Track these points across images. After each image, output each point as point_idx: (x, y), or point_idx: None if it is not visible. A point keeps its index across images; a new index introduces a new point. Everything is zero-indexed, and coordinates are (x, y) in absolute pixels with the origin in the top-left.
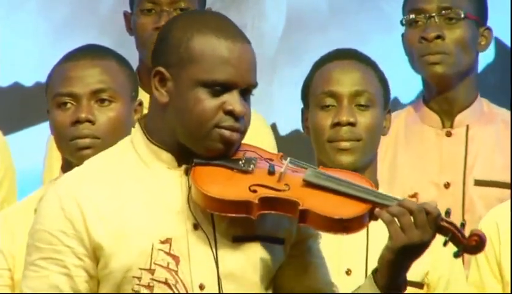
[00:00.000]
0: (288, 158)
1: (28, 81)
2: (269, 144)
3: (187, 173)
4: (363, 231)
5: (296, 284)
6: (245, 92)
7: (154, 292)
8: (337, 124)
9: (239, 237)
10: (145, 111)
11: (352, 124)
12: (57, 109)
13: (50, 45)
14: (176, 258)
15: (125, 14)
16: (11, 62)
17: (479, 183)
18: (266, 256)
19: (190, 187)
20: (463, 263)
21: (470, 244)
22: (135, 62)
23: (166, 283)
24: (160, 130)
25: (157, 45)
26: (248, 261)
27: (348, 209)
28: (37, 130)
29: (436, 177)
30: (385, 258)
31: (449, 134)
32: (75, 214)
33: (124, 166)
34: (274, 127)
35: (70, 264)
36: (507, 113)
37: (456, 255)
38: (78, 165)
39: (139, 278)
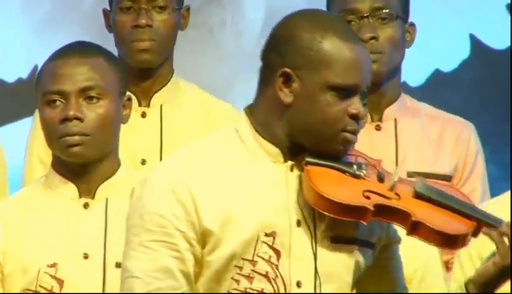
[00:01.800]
0: (397, 168)
1: (10, 77)
2: None
3: (292, 169)
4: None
5: (376, 286)
6: (363, 93)
7: (253, 284)
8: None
9: (338, 238)
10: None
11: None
12: (46, 106)
13: (33, 41)
14: (277, 252)
15: (105, 11)
16: None
17: (410, 174)
18: (360, 259)
19: (301, 184)
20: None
21: None
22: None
23: (266, 276)
24: (273, 125)
25: (280, 45)
26: (345, 262)
27: (458, 225)
28: (19, 125)
29: None
30: (488, 272)
31: (378, 128)
32: (186, 198)
33: (231, 155)
34: None
35: (182, 248)
36: (428, 107)
37: None
38: (68, 162)
39: (240, 268)
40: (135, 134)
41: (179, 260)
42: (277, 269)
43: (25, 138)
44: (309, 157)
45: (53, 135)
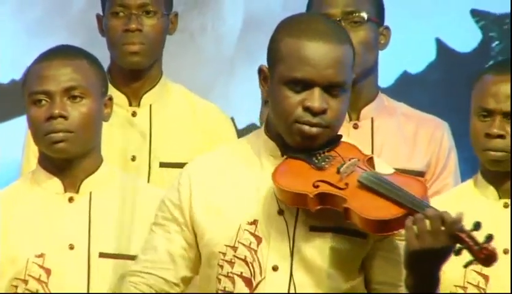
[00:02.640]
0: (353, 159)
1: (4, 79)
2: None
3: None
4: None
5: (376, 277)
6: (331, 89)
7: (234, 268)
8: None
9: (316, 227)
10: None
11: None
12: (33, 106)
13: (24, 44)
14: (258, 239)
15: (98, 17)
16: None
17: None
18: (340, 247)
19: None
20: None
21: (480, 258)
22: (104, 61)
23: (244, 260)
24: (271, 122)
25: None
26: (322, 250)
27: (385, 212)
28: (13, 124)
29: None
30: (404, 262)
31: (356, 126)
32: (185, 188)
33: (241, 154)
34: (232, 120)
35: (172, 230)
36: (404, 106)
37: (466, 265)
38: (54, 158)
39: (224, 254)
40: (126, 132)
41: (167, 240)
42: (256, 254)
43: (18, 136)
44: (290, 152)
45: (39, 133)
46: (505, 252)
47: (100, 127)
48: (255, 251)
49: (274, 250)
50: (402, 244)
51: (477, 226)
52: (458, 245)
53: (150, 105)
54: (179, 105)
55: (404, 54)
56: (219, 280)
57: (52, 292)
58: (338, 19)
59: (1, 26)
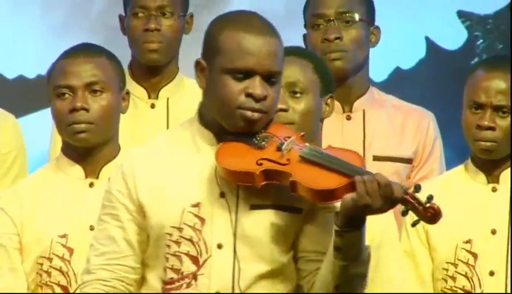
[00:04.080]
0: (292, 137)
1: (31, 74)
2: None
3: None
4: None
5: (306, 247)
6: (269, 77)
7: (181, 247)
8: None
9: (256, 205)
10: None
11: (284, 110)
12: (57, 99)
13: (49, 43)
14: (202, 220)
15: (120, 17)
16: (16, 57)
17: (376, 158)
18: (279, 222)
19: None
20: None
21: (426, 216)
22: (122, 58)
23: (190, 240)
24: (206, 111)
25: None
26: (263, 226)
27: (330, 181)
28: (38, 116)
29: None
30: (344, 204)
31: (349, 118)
32: (129, 176)
33: (179, 142)
34: None
35: (123, 218)
36: (393, 98)
37: (414, 224)
38: (76, 147)
39: (170, 235)
40: (145, 123)
41: (121, 229)
42: (201, 234)
43: (44, 127)
44: (229, 135)
45: (63, 123)
46: (493, 232)
47: (118, 118)
48: (200, 231)
49: (218, 229)
50: (330, 216)
51: (417, 188)
52: (404, 207)
53: (168, 98)
54: (193, 98)
55: (397, 51)
56: (167, 259)
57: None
58: (331, 18)
59: (29, 26)
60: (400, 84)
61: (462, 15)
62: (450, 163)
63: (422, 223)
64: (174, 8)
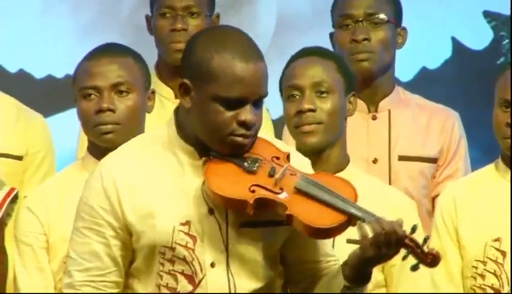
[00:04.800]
0: (285, 165)
1: (59, 74)
2: (267, 128)
3: (205, 164)
4: None
5: (298, 257)
6: (257, 101)
7: (175, 266)
8: (299, 112)
9: (246, 223)
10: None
11: (313, 110)
12: (83, 99)
13: (78, 43)
14: (193, 238)
15: (147, 17)
16: (45, 57)
17: (402, 158)
18: (271, 238)
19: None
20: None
21: (426, 260)
22: (149, 58)
23: (184, 259)
24: (186, 126)
25: (183, 59)
26: (254, 244)
27: (327, 219)
28: (67, 115)
29: (365, 154)
30: (351, 261)
31: (374, 118)
32: (112, 194)
33: (156, 155)
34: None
35: (108, 235)
36: (418, 98)
37: (413, 268)
38: (102, 147)
39: (163, 254)
40: None
41: (105, 245)
42: (194, 253)
43: (72, 126)
44: (214, 152)
45: (89, 124)
46: None
47: (144, 118)
48: (193, 250)
49: (209, 247)
50: None
51: (414, 229)
52: (405, 252)
53: None
54: None
55: (423, 51)
56: (161, 277)
57: None
58: (360, 19)
59: (57, 25)
60: (426, 84)
61: (488, 15)
62: (474, 163)
63: (451, 220)
64: (201, 8)
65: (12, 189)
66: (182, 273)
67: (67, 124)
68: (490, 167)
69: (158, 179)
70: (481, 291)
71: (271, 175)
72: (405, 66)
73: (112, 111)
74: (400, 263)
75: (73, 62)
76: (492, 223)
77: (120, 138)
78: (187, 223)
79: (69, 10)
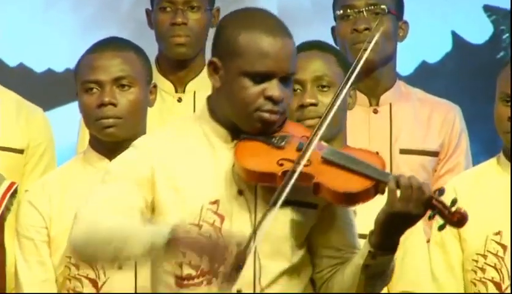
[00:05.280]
0: (313, 137)
1: (59, 68)
2: None
3: (235, 146)
4: None
5: (321, 243)
6: (285, 79)
7: None
8: (301, 106)
9: (276, 201)
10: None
11: (314, 104)
12: (84, 93)
13: (78, 37)
14: (221, 217)
15: (147, 11)
16: (45, 51)
17: (403, 151)
18: (297, 218)
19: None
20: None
21: (453, 220)
22: (150, 52)
23: (210, 237)
24: (218, 109)
25: (214, 39)
26: (282, 222)
27: (354, 184)
28: (67, 109)
29: (367, 148)
30: (379, 220)
31: (375, 111)
32: (148, 171)
33: (190, 138)
34: None
35: (137, 192)
36: (419, 92)
37: (441, 228)
38: (104, 141)
39: (188, 232)
40: (172, 116)
41: (141, 204)
42: (220, 232)
43: (72, 120)
44: (245, 134)
45: (91, 118)
46: None
47: (146, 112)
48: (219, 228)
49: (237, 227)
50: (347, 212)
51: (441, 191)
52: (431, 212)
53: (195, 92)
54: None
55: (423, 45)
56: (183, 254)
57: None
58: (361, 9)
59: (58, 20)
60: (426, 78)
61: (488, 9)
62: (475, 157)
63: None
64: (201, 2)
65: (12, 184)
66: None
67: (67, 118)
68: (492, 161)
69: (190, 161)
70: (481, 285)
71: (299, 149)
72: (405, 60)
73: (114, 105)
74: (400, 258)
75: (73, 56)
76: (493, 216)
77: (121, 132)
78: (216, 202)
79: (70, 4)
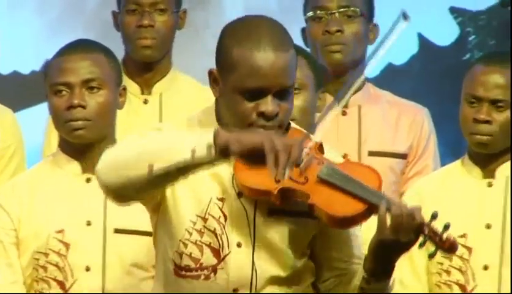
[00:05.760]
0: (310, 155)
1: (25, 70)
2: None
3: None
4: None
5: (325, 254)
6: (282, 92)
7: (203, 238)
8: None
9: (274, 210)
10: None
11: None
12: (54, 96)
13: (44, 39)
14: (225, 216)
15: (114, 13)
16: (11, 53)
17: (371, 153)
18: (296, 228)
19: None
20: None
21: (443, 247)
22: (117, 54)
23: (214, 232)
24: (222, 115)
25: (217, 45)
26: (280, 232)
27: (348, 208)
28: (32, 111)
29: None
30: (370, 247)
31: (344, 113)
32: None
33: None
34: None
35: None
36: (388, 94)
37: (431, 256)
38: (73, 143)
39: (194, 223)
40: (138, 118)
41: None
42: (224, 228)
43: (37, 122)
44: None
45: (60, 120)
46: (487, 226)
47: (115, 114)
48: (223, 226)
49: (236, 228)
50: None
51: (435, 216)
52: (422, 238)
53: (161, 94)
54: (187, 93)
55: (389, 47)
56: (185, 245)
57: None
58: (333, 11)
59: (24, 21)
60: (392, 80)
61: (454, 11)
62: (441, 158)
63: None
64: (168, 5)
65: None
66: (208, 245)
67: (33, 120)
68: (457, 163)
69: None
70: (446, 287)
71: (297, 165)
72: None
73: (83, 107)
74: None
75: (39, 58)
76: (458, 218)
77: (90, 134)
78: (222, 200)
79: (35, 6)
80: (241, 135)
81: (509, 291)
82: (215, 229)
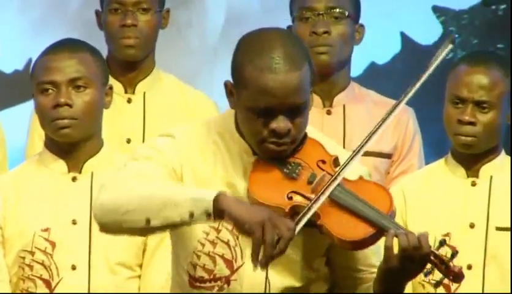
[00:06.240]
0: (323, 173)
1: (8, 69)
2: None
3: (255, 161)
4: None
5: (341, 263)
6: (294, 110)
7: (216, 249)
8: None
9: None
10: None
11: None
12: (40, 94)
13: (27, 39)
14: None
15: (97, 13)
16: None
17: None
18: (310, 240)
19: None
20: None
21: (449, 276)
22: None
23: (227, 243)
24: (239, 125)
25: (233, 54)
26: (293, 243)
27: (357, 231)
28: (15, 110)
29: None
30: (378, 272)
31: (329, 112)
32: (174, 159)
33: (214, 138)
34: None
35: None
36: (374, 94)
37: (436, 285)
38: (59, 142)
39: (207, 234)
40: (122, 117)
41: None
42: (237, 239)
43: (20, 121)
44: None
45: (46, 119)
46: (471, 226)
47: (101, 113)
48: (237, 236)
49: (249, 240)
50: None
51: (442, 243)
52: (428, 266)
53: (144, 93)
54: (170, 92)
55: (372, 46)
56: (198, 256)
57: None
58: (321, 12)
59: (6, 21)
60: (375, 79)
61: (437, 10)
62: (425, 159)
63: (400, 214)
64: (151, 4)
65: None
66: (221, 257)
67: (16, 120)
68: (441, 162)
69: (214, 166)
70: (430, 286)
71: (310, 182)
72: (355, 61)
73: (70, 106)
74: None
75: (21, 58)
76: (442, 218)
77: (77, 133)
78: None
79: (18, 5)
80: (238, 212)
81: (505, 291)
82: (228, 240)
